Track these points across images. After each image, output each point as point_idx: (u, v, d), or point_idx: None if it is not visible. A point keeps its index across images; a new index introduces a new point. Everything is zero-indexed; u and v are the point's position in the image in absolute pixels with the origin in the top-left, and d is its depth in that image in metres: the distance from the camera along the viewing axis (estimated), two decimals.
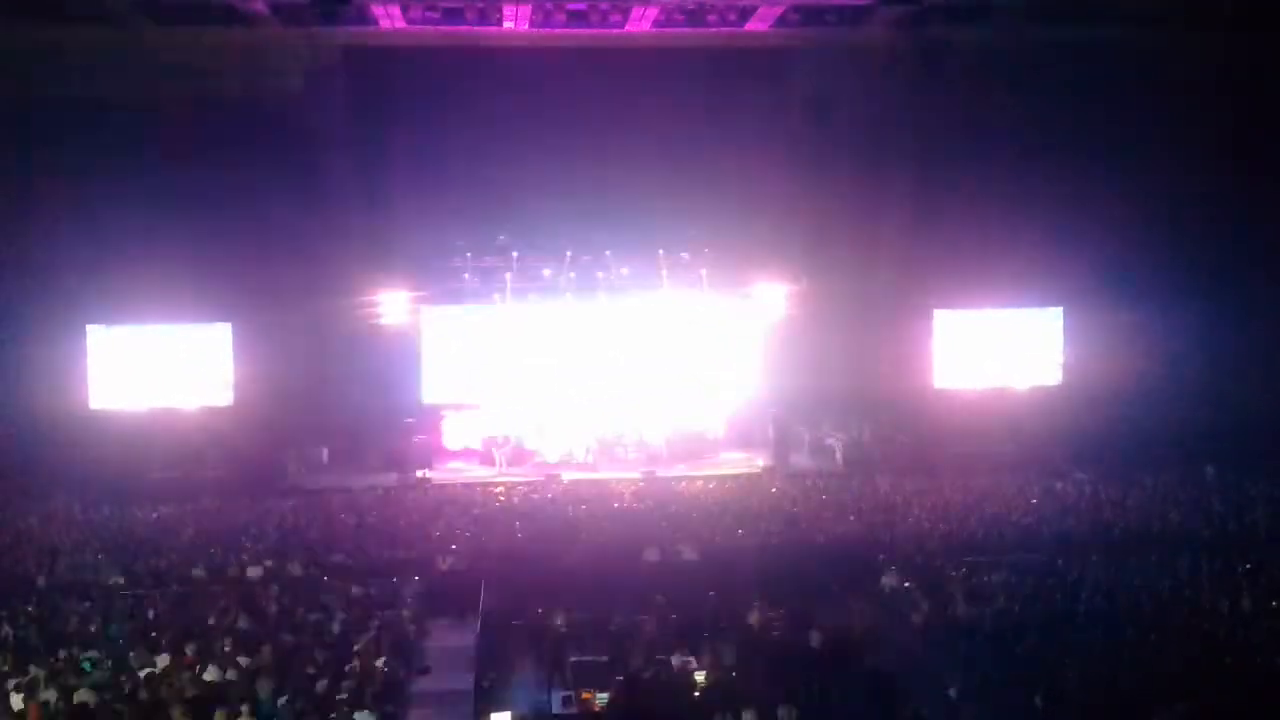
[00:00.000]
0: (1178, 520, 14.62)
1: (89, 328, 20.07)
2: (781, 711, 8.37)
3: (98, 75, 18.78)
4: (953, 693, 9.37)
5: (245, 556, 13.47)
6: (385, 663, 10.08)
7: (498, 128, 20.48)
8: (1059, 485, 17.06)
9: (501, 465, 20.39)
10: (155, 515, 16.16)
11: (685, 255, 21.63)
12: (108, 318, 20.20)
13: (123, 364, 20.20)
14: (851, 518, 15.24)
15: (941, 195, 20.22)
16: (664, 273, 21.55)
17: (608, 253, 21.51)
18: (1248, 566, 12.32)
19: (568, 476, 19.41)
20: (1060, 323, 21.71)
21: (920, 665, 10.18)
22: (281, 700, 8.94)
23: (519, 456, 20.75)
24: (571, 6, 18.24)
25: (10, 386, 19.27)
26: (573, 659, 10.23)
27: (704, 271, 21.63)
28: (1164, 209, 20.01)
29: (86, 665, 9.87)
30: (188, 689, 9.12)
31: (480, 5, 18.14)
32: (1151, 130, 19.64)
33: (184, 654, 10.08)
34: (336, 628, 10.91)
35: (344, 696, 9.11)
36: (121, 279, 19.39)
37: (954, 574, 12.42)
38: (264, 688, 9.09)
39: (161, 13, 18.18)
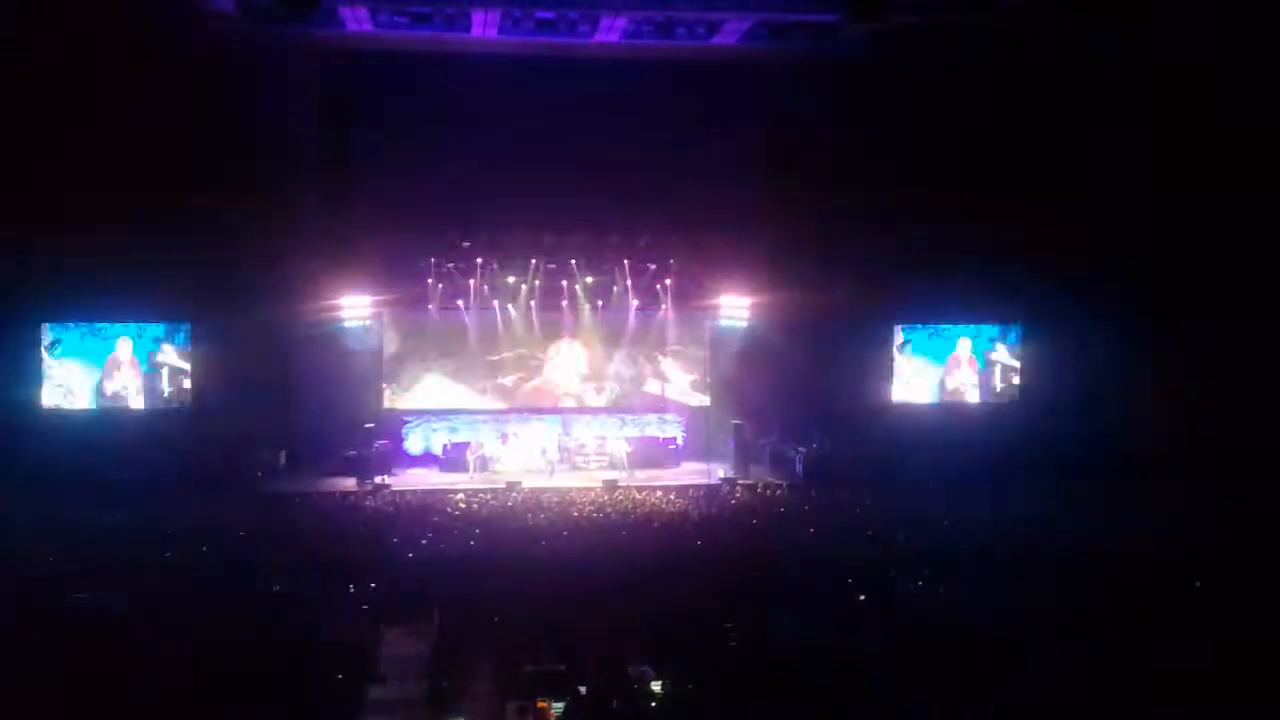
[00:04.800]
0: (1129, 531, 14.83)
1: (45, 326, 19.77)
2: None
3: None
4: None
5: (200, 562, 13.29)
6: (339, 671, 9.98)
7: (464, 133, 20.50)
8: (1013, 498, 17.25)
9: (474, 471, 20.31)
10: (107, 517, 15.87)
11: (651, 266, 21.76)
12: (64, 316, 19.90)
13: (78, 363, 19.90)
14: (811, 529, 15.34)
15: (903, 211, 20.45)
16: (628, 283, 21.65)
17: (573, 261, 21.56)
18: (1196, 584, 12.52)
19: (528, 484, 19.38)
20: (1017, 339, 21.99)
21: (875, 679, 10.23)
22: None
23: (481, 463, 20.71)
24: (540, 15, 18.27)
25: None
26: (529, 668, 10.19)
27: (669, 281, 21.76)
28: (1117, 228, 20.34)
29: None
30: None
31: (449, 10, 18.12)
32: (1107, 151, 19.99)
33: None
34: (290, 635, 10.79)
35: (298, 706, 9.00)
36: (78, 278, 19.14)
37: (911, 587, 12.52)
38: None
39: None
